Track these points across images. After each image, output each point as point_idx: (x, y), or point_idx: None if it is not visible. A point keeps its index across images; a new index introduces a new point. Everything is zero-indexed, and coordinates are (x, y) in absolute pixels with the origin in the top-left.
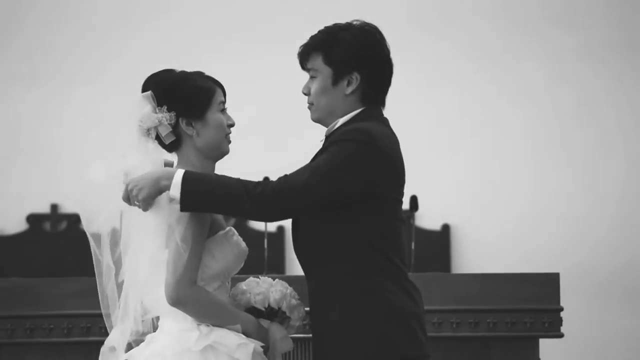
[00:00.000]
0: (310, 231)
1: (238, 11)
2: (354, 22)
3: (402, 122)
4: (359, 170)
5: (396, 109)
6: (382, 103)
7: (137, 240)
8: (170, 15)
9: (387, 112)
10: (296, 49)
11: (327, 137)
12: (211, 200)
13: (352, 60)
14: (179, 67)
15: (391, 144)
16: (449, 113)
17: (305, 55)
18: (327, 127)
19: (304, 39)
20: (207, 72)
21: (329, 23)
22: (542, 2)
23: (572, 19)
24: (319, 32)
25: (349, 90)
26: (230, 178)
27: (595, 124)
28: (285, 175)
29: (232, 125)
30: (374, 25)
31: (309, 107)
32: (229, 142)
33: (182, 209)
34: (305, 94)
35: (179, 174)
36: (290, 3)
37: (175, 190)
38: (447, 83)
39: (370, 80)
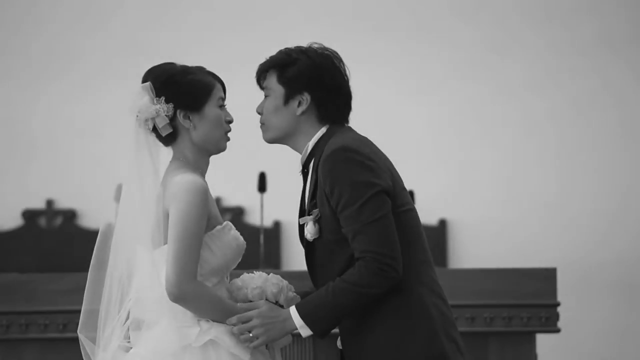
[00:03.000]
0: (330, 252)
1: (238, 9)
2: (314, 45)
3: (399, 117)
4: (371, 175)
5: (392, 104)
6: (345, 122)
7: (129, 239)
8: (171, 12)
9: (384, 108)
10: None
11: (304, 165)
12: (339, 313)
13: (304, 80)
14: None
15: (370, 146)
16: (446, 108)
17: (262, 74)
18: (288, 145)
19: (304, 37)
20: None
21: (326, 22)
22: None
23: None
24: (278, 52)
25: (299, 110)
26: (328, 286)
27: (593, 120)
28: (362, 249)
29: (231, 121)
30: (334, 51)
31: (261, 127)
32: (228, 139)
33: (323, 337)
34: (258, 113)
35: (295, 315)
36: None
37: (305, 331)
38: (443, 79)
39: (322, 103)
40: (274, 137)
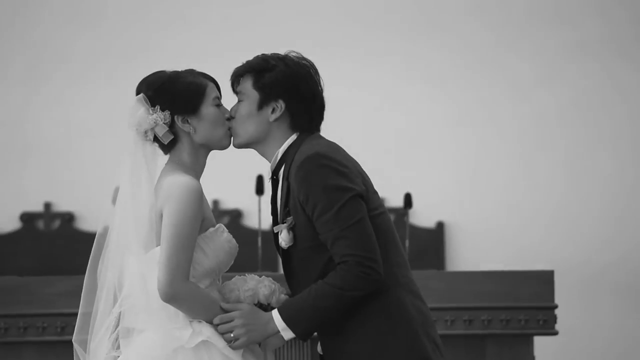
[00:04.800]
0: (306, 259)
1: (240, 10)
2: (292, 54)
3: (396, 120)
4: (345, 180)
5: (390, 107)
6: (317, 130)
7: (121, 248)
8: (168, 12)
9: (382, 110)
10: (293, 47)
11: (274, 171)
12: (321, 316)
13: (279, 87)
14: (181, 65)
15: (341, 152)
16: (443, 111)
17: (237, 77)
18: (257, 151)
19: (306, 37)
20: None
21: (332, 18)
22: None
23: (562, 17)
24: (255, 57)
25: (273, 117)
26: (310, 289)
27: (587, 121)
28: (343, 254)
29: (230, 118)
30: (310, 61)
31: (232, 131)
32: (230, 135)
33: (305, 339)
34: (230, 117)
35: (277, 317)
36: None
37: (287, 333)
38: (439, 82)
39: (296, 111)
40: (244, 142)
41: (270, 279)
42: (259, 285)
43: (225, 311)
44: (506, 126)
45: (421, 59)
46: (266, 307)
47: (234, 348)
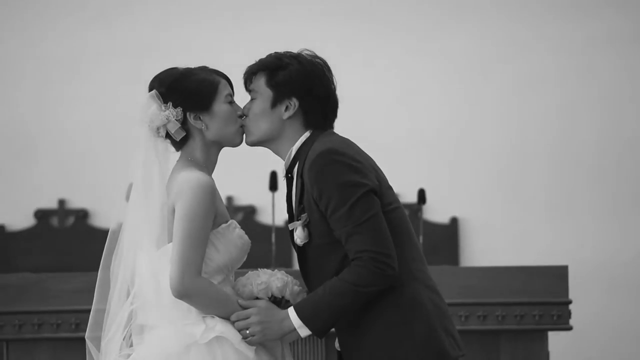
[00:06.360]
0: (322, 256)
1: (253, 6)
2: (305, 52)
3: (410, 115)
4: (358, 176)
5: (403, 102)
6: (330, 127)
7: (134, 246)
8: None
9: (397, 105)
10: (305, 44)
11: (288, 169)
12: (337, 313)
13: (293, 85)
14: (191, 60)
15: (354, 147)
16: (457, 107)
17: (250, 75)
18: (270, 149)
19: (313, 33)
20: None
21: (341, 19)
22: None
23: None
24: (268, 55)
25: (286, 115)
26: (325, 286)
27: (606, 115)
28: (358, 250)
29: (242, 115)
30: (323, 59)
31: (244, 129)
32: (242, 132)
33: (322, 337)
34: (243, 115)
35: (293, 315)
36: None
37: (304, 331)
38: (455, 76)
39: (309, 109)
40: (257, 140)
41: (283, 272)
42: (272, 278)
43: (242, 307)
44: (521, 122)
45: (436, 55)
46: (280, 301)
47: (250, 345)
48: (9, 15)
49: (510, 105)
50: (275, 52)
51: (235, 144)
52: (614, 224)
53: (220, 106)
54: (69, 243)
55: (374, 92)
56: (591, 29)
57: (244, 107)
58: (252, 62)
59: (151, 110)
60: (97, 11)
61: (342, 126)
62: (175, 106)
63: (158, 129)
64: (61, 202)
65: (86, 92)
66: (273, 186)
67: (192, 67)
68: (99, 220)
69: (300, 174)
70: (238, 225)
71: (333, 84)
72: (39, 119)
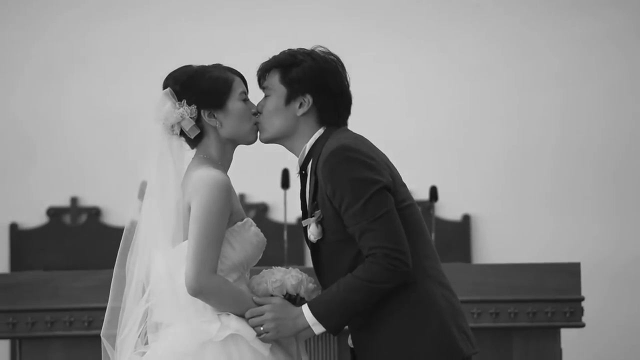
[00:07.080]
0: (335, 252)
1: (266, 3)
2: (318, 49)
3: (423, 112)
4: (372, 173)
5: (416, 100)
6: (344, 124)
7: (149, 243)
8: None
9: (409, 102)
10: (314, 42)
11: (302, 166)
12: (351, 310)
13: (307, 82)
14: (194, 58)
15: (367, 144)
16: (469, 104)
17: (263, 72)
18: (284, 146)
19: (323, 29)
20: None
21: (342, 15)
22: None
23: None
24: (282, 52)
25: (300, 112)
26: (339, 283)
27: (618, 114)
28: (371, 246)
29: (256, 113)
30: (337, 56)
31: (258, 126)
32: (257, 130)
33: (336, 334)
34: (257, 112)
35: (307, 312)
36: None
37: (318, 328)
38: (467, 74)
39: (323, 106)
40: (271, 137)
41: (297, 269)
42: (286, 276)
43: (257, 304)
44: (534, 120)
45: (447, 52)
46: (295, 298)
47: (264, 341)
48: (9, 13)
49: (521, 103)
50: (289, 49)
51: (250, 141)
52: (628, 221)
53: (234, 104)
54: (82, 241)
55: (386, 90)
56: (595, 28)
57: (257, 104)
58: (265, 59)
59: (165, 108)
60: (117, 14)
61: (355, 124)
62: (189, 104)
63: (172, 126)
64: (73, 200)
65: (99, 90)
66: (285, 184)
67: (207, 64)
68: (111, 218)
69: (314, 171)
70: (254, 223)
71: (346, 80)
72: (52, 117)
